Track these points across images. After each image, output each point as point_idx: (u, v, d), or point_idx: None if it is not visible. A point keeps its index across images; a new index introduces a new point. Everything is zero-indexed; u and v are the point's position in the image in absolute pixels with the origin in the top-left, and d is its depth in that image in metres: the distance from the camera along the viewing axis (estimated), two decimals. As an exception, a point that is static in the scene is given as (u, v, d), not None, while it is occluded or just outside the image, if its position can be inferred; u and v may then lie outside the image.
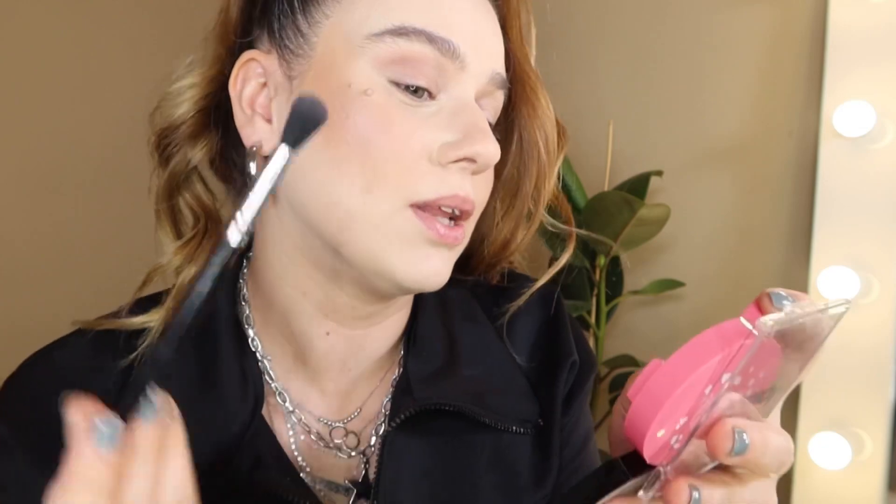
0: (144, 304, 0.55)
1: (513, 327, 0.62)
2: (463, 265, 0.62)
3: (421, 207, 0.48)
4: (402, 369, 0.57)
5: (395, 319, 0.57)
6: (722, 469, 0.39)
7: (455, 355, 0.58)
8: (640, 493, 0.39)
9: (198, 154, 0.55)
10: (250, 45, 0.53)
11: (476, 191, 0.50)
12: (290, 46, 0.50)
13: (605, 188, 1.39)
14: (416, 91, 0.48)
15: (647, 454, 0.37)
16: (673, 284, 1.35)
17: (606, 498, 0.39)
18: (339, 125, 0.47)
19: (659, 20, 1.43)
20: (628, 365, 1.31)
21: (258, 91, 0.51)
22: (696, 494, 0.37)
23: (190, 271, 0.54)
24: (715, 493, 0.37)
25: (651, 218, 1.22)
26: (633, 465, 0.39)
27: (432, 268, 0.49)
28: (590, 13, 1.52)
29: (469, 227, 0.52)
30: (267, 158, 0.50)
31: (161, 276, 0.55)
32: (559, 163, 0.58)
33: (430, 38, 0.47)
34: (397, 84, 0.47)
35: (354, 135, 0.47)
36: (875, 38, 1.13)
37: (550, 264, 1.50)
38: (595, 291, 1.37)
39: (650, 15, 1.44)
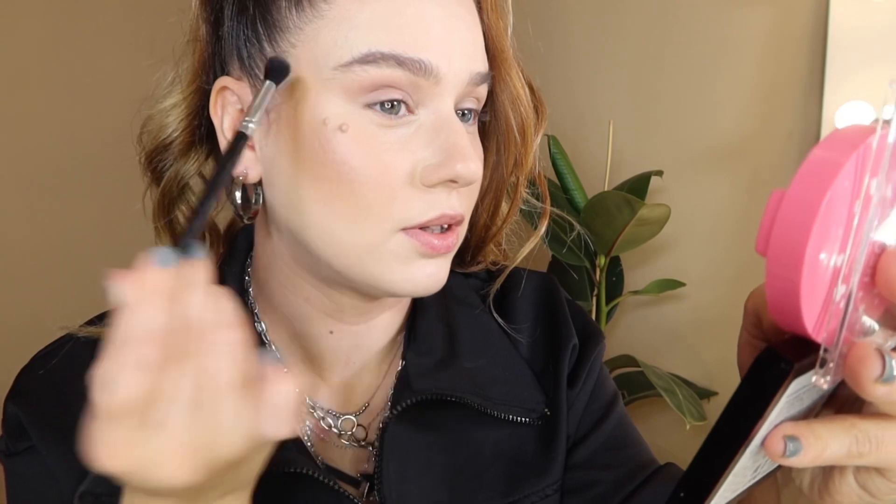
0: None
1: (512, 316, 0.62)
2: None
3: (411, 228, 0.49)
4: (404, 362, 0.58)
5: (396, 310, 0.59)
6: None
7: (455, 347, 0.59)
8: (814, 377, 0.31)
9: (190, 168, 0.55)
10: (223, 66, 0.51)
11: (463, 201, 0.51)
12: (261, 77, 0.48)
13: (605, 188, 1.39)
14: (392, 107, 0.47)
15: (808, 322, 0.28)
16: (673, 284, 1.35)
17: (772, 411, 0.30)
18: (322, 163, 0.47)
19: (659, 20, 1.43)
20: (628, 365, 1.30)
21: (237, 118, 0.50)
22: (893, 363, 0.29)
23: None
24: None
25: (651, 218, 1.22)
26: (792, 351, 0.30)
27: (429, 274, 0.50)
28: (590, 13, 1.52)
29: (462, 229, 0.52)
30: (254, 185, 0.51)
31: None
32: (538, 139, 0.58)
33: (400, 62, 0.45)
34: (372, 105, 0.47)
35: (337, 172, 0.46)
36: (876, 38, 1.13)
37: (551, 264, 1.49)
38: (595, 291, 1.37)
39: (651, 15, 1.44)
